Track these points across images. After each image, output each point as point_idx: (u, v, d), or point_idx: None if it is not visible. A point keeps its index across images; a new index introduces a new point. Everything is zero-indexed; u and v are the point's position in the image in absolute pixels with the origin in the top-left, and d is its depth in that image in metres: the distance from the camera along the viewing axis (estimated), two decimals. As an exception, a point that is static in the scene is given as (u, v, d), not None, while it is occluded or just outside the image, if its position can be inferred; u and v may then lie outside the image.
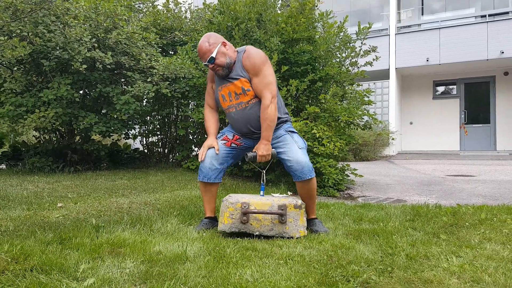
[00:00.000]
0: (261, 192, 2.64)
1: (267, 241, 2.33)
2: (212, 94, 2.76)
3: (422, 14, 13.14)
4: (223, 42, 2.55)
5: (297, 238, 2.40)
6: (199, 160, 2.66)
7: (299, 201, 2.49)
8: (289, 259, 1.97)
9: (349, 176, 5.36)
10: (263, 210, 2.41)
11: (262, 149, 2.50)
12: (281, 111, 2.66)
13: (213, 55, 2.49)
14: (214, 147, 2.63)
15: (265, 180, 2.66)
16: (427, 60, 11.79)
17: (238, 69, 2.54)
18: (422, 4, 13.08)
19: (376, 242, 2.31)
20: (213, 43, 2.51)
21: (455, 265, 1.90)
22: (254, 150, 2.54)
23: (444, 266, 1.88)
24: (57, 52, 4.91)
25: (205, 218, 2.72)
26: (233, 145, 2.68)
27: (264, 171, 2.67)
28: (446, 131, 12.99)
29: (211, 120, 2.76)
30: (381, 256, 2.05)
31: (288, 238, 2.40)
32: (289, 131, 2.65)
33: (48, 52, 5.07)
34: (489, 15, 11.50)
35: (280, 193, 4.10)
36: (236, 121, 2.64)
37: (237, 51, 2.60)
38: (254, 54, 2.52)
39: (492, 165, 8.34)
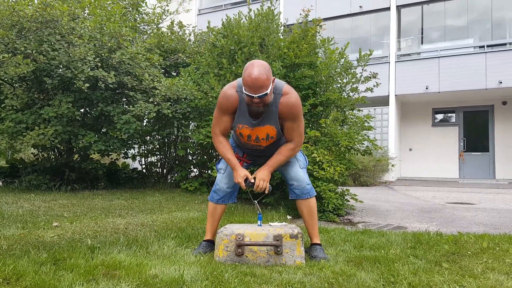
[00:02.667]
0: (259, 222, 2.57)
1: (266, 267, 2.28)
2: (228, 124, 2.50)
3: (422, 43, 13.37)
4: (274, 78, 2.32)
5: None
6: (243, 189, 2.52)
7: (296, 230, 2.42)
8: (288, 286, 1.91)
9: (349, 201, 5.31)
10: (258, 242, 2.34)
11: (263, 174, 2.45)
12: None
13: (268, 91, 2.23)
14: (247, 176, 2.49)
15: (260, 209, 2.61)
16: (427, 88, 11.92)
17: (272, 115, 2.37)
18: (422, 33, 13.34)
19: (378, 269, 2.26)
20: (270, 78, 2.24)
21: (459, 295, 1.85)
22: (253, 177, 2.48)
23: (448, 297, 1.83)
24: (60, 70, 4.96)
25: (204, 241, 2.67)
26: (244, 163, 2.68)
27: (256, 202, 2.61)
28: (445, 158, 13.00)
29: (229, 151, 2.52)
30: (383, 285, 1.99)
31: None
32: None
33: (51, 70, 5.12)
34: (487, 46, 11.71)
35: (279, 218, 4.06)
36: (246, 149, 2.65)
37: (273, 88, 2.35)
38: (295, 102, 2.36)
39: (492, 194, 8.29)
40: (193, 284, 1.88)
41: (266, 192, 2.48)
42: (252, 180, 2.46)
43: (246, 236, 2.36)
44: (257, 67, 2.22)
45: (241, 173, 2.46)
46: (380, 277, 2.11)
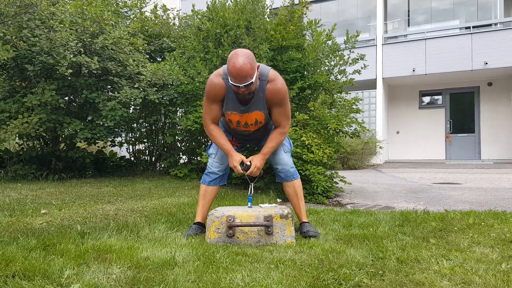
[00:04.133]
0: (249, 204, 2.61)
1: (257, 246, 2.30)
2: (217, 112, 2.51)
3: (409, 25, 13.40)
4: (258, 65, 2.33)
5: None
6: (237, 173, 2.56)
7: (286, 211, 2.45)
8: (280, 264, 1.93)
9: (338, 183, 5.36)
10: (249, 222, 2.37)
11: (257, 162, 2.51)
12: None
13: (253, 80, 2.24)
14: (242, 160, 2.53)
15: (252, 192, 2.65)
16: (413, 71, 11.99)
17: (260, 100, 2.40)
18: (409, 16, 13.35)
19: (367, 246, 2.30)
20: (254, 67, 2.24)
21: (445, 267, 1.89)
22: (249, 160, 2.52)
23: (435, 269, 1.88)
24: (42, 57, 4.83)
25: (195, 223, 2.68)
26: (234, 147, 2.69)
27: (253, 184, 2.67)
28: (432, 140, 13.18)
29: (222, 137, 2.54)
30: (372, 260, 2.03)
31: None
32: None
33: (33, 57, 4.99)
34: (473, 27, 11.80)
35: (269, 201, 4.08)
36: (235, 133, 2.69)
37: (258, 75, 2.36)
38: (281, 87, 2.39)
39: (477, 173, 8.47)
40: (185, 264, 1.89)
41: (260, 175, 2.59)
42: (248, 163, 2.51)
43: (237, 217, 2.38)
44: (241, 57, 2.21)
45: (237, 158, 2.50)
46: (369, 253, 2.15)
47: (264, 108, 2.44)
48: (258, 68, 2.31)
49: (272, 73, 2.42)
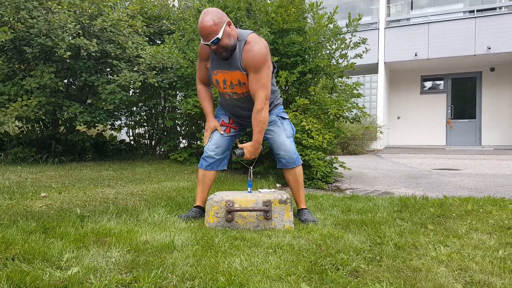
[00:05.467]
0: (249, 189, 2.60)
1: (255, 231, 2.31)
2: (204, 71, 2.59)
3: (412, 9, 13.20)
4: (228, 21, 2.33)
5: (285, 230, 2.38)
6: (204, 144, 2.64)
7: (285, 196, 2.46)
8: (278, 248, 1.94)
9: (337, 169, 5.37)
10: (247, 207, 2.37)
11: (250, 151, 2.48)
12: (275, 95, 2.65)
13: (219, 36, 2.26)
14: (217, 129, 2.60)
15: (251, 176, 2.63)
16: (416, 55, 11.87)
17: (238, 60, 2.38)
18: (412, -1, 13.15)
19: (365, 232, 2.31)
20: (219, 23, 2.26)
21: (443, 254, 1.91)
22: (240, 147, 2.50)
23: (432, 255, 1.89)
24: (41, 39, 4.78)
25: (195, 207, 2.69)
26: (232, 130, 2.67)
27: (251, 167, 2.65)
28: (432, 126, 13.14)
29: (206, 99, 2.64)
30: (369, 245, 2.04)
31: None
32: (280, 116, 2.66)
33: (31, 39, 4.94)
34: (477, 11, 11.62)
35: (268, 186, 4.09)
36: (228, 105, 2.63)
37: (238, 36, 2.40)
38: (257, 51, 2.34)
39: (477, 160, 8.47)
40: (184, 248, 1.90)
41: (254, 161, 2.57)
42: (240, 151, 2.48)
43: (236, 202, 2.39)
44: (206, 15, 2.27)
45: (211, 124, 2.61)
46: (367, 239, 2.16)
47: (244, 70, 2.40)
48: (230, 24, 2.33)
49: (253, 36, 2.40)
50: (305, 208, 2.70)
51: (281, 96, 4.69)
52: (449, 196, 3.71)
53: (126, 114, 6.83)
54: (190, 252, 1.84)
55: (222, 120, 2.67)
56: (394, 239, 2.14)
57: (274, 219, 2.40)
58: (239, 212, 2.38)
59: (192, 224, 2.43)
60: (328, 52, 5.24)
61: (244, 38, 2.38)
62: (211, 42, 2.28)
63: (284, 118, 2.67)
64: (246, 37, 2.38)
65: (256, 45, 2.36)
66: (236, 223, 2.38)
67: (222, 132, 2.61)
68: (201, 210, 2.67)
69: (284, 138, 2.61)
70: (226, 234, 2.19)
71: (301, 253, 1.88)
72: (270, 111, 2.59)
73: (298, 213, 2.68)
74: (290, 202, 2.45)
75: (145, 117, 7.10)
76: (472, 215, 2.81)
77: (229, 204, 2.37)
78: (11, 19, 4.55)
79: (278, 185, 4.40)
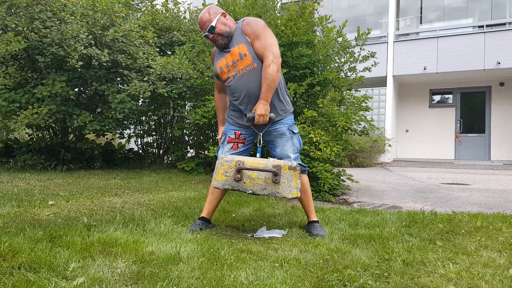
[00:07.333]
0: (258, 155, 2.58)
1: (262, 244, 2.30)
2: (217, 82, 2.79)
3: (421, 23, 13.21)
4: (223, 13, 2.57)
5: (289, 198, 2.36)
6: (218, 156, 2.64)
7: (294, 163, 2.45)
8: (284, 262, 1.93)
9: (345, 181, 5.33)
10: (258, 167, 2.37)
11: (261, 109, 2.44)
12: (285, 100, 2.66)
13: (213, 24, 2.50)
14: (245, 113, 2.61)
15: (261, 143, 2.60)
16: (425, 69, 11.84)
17: (237, 36, 2.54)
18: (421, 13, 13.17)
19: (372, 247, 2.28)
20: (213, 13, 2.54)
21: (452, 271, 1.87)
22: (253, 111, 2.49)
23: (441, 273, 1.86)
24: (53, 48, 4.86)
25: (199, 218, 2.68)
26: (239, 145, 2.66)
27: (261, 134, 2.61)
28: (441, 139, 13.04)
29: (219, 109, 2.86)
30: (377, 261, 2.01)
31: (280, 198, 2.45)
32: (291, 130, 2.65)
33: (44, 48, 5.03)
34: (487, 26, 11.60)
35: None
36: (235, 91, 2.57)
37: (236, 23, 2.64)
38: (254, 20, 2.56)
39: (487, 175, 8.36)
40: (190, 260, 1.89)
41: (270, 122, 2.53)
42: (252, 114, 2.47)
43: (246, 163, 2.39)
44: (203, 11, 2.58)
45: (223, 129, 2.77)
46: (375, 254, 2.13)
47: (245, 40, 2.51)
48: (225, 15, 2.56)
49: (248, 17, 2.62)
50: (317, 221, 2.67)
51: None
52: (458, 211, 3.66)
53: (135, 123, 6.89)
54: (196, 265, 1.83)
55: (229, 137, 2.67)
56: (402, 255, 2.11)
57: (282, 184, 2.38)
58: (248, 173, 2.37)
59: (198, 235, 2.43)
60: (336, 65, 5.26)
61: (241, 20, 2.60)
62: (207, 32, 2.51)
63: (294, 133, 2.67)
64: (243, 18, 2.61)
65: (253, 18, 2.61)
66: (244, 183, 2.38)
67: (228, 150, 2.66)
68: (206, 222, 2.66)
69: (290, 154, 2.62)
70: (232, 246, 2.17)
71: (307, 268, 1.86)
72: (280, 119, 2.61)
73: (309, 227, 2.65)
74: (299, 170, 2.44)
75: (153, 126, 7.14)
76: (481, 231, 2.76)
77: (239, 164, 2.37)
78: (25, 28, 4.65)
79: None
